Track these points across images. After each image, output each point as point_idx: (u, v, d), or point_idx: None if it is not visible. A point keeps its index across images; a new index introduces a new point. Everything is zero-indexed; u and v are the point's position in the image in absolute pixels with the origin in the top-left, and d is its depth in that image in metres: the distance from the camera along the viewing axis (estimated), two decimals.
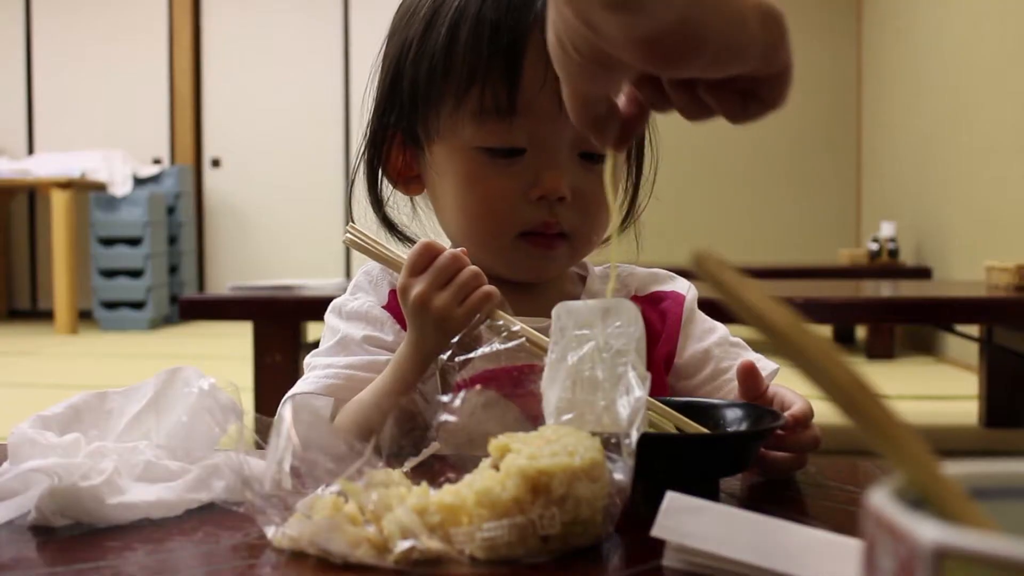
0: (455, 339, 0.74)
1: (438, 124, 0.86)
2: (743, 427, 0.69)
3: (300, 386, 0.86)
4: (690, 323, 0.93)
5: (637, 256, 0.95)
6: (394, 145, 0.91)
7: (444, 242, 0.91)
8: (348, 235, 0.82)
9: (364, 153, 0.93)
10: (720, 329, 0.94)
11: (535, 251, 0.85)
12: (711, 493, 0.64)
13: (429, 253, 0.77)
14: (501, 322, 0.75)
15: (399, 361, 0.79)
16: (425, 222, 0.96)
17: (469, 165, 0.85)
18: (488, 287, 0.76)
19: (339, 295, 0.93)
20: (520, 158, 0.84)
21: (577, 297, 0.89)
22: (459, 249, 0.78)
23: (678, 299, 0.94)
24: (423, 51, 0.86)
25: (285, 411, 0.56)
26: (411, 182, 0.92)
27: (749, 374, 0.75)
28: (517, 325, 0.74)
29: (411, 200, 0.96)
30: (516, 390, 0.64)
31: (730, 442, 0.66)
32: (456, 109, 0.84)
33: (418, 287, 0.76)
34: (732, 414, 0.70)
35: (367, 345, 0.86)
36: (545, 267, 0.88)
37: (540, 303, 0.72)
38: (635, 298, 0.93)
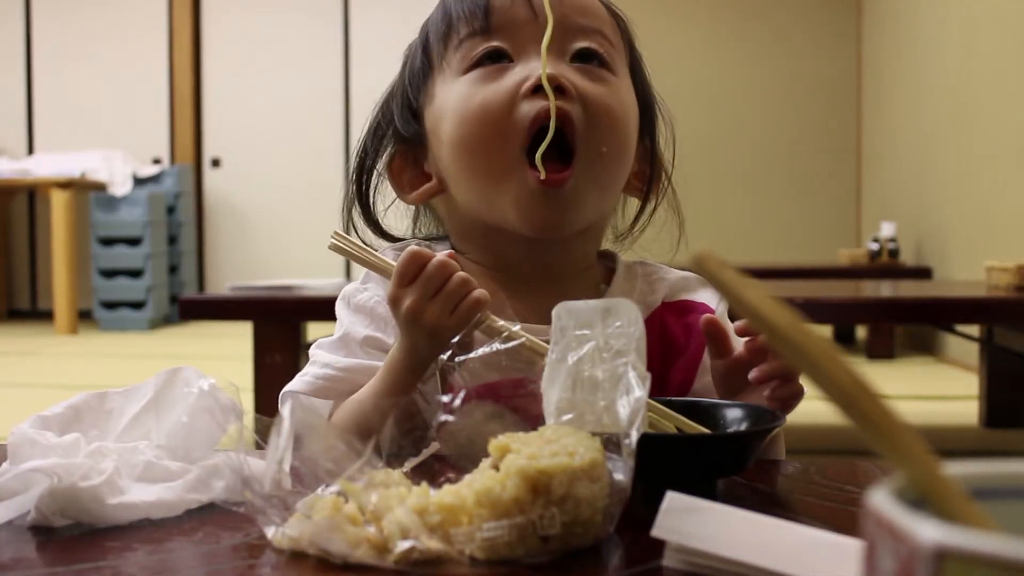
0: (454, 339, 0.74)
1: (432, 91, 0.89)
2: (743, 427, 0.69)
3: (297, 382, 0.86)
4: None
5: (675, 255, 0.92)
6: (395, 159, 0.93)
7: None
8: (333, 241, 0.82)
9: (356, 195, 0.95)
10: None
11: (543, 187, 0.81)
12: (710, 493, 0.64)
13: (417, 262, 0.76)
14: (499, 322, 0.75)
15: (394, 365, 0.79)
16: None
17: (461, 90, 0.85)
18: (478, 293, 0.76)
19: (338, 293, 0.93)
20: (508, 66, 0.85)
21: (602, 296, 0.88)
22: (446, 252, 0.77)
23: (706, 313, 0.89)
24: (418, 47, 0.92)
25: (285, 411, 0.56)
26: (420, 185, 0.91)
27: (714, 330, 0.77)
28: (510, 328, 0.74)
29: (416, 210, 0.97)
30: (516, 391, 0.64)
31: (730, 442, 0.66)
32: (442, 58, 0.88)
33: (409, 299, 0.75)
34: (732, 414, 0.70)
35: (367, 347, 0.86)
36: (558, 208, 0.83)
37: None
38: (664, 305, 0.91)
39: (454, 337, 0.74)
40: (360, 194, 0.95)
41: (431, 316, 0.75)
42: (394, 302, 0.77)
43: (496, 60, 0.85)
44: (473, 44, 0.85)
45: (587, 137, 0.82)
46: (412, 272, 0.76)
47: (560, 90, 0.81)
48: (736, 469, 0.65)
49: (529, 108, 0.81)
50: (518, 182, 0.82)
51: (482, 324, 0.76)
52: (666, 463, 0.62)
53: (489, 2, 0.85)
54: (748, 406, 0.70)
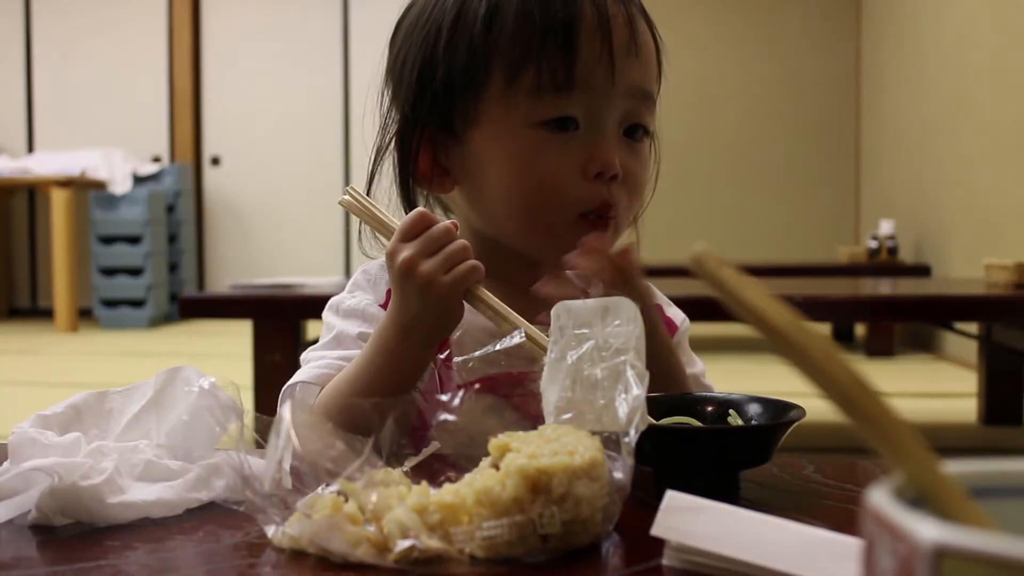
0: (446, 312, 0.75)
1: (482, 108, 0.84)
2: (762, 420, 0.68)
3: (295, 379, 0.86)
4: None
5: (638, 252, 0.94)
6: (421, 144, 0.88)
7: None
8: (346, 197, 0.81)
9: (395, 160, 0.90)
10: (698, 365, 0.94)
11: (585, 235, 0.83)
12: (733, 486, 0.64)
13: (423, 222, 0.76)
14: (491, 298, 0.75)
15: (381, 330, 0.79)
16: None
17: (523, 144, 0.83)
18: (475, 261, 0.76)
19: (339, 293, 0.93)
20: (574, 134, 0.83)
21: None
22: (450, 221, 0.77)
23: (671, 328, 0.93)
24: (457, 36, 0.84)
25: (284, 411, 0.56)
26: (441, 179, 0.89)
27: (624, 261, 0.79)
28: (502, 305, 0.75)
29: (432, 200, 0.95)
30: (515, 390, 0.64)
31: (754, 434, 0.65)
32: (507, 88, 0.83)
33: (406, 252, 0.75)
34: (751, 408, 0.70)
35: (361, 341, 0.86)
36: None
37: (547, 308, 0.71)
38: None
39: (443, 297, 0.74)
40: (403, 148, 0.90)
41: (425, 270, 0.75)
42: (391, 255, 0.77)
43: (564, 126, 0.83)
44: (553, 102, 0.82)
45: (626, 209, 0.86)
46: (416, 230, 0.76)
47: (613, 176, 0.84)
48: (760, 461, 0.65)
49: (588, 193, 0.84)
50: (566, 235, 0.84)
51: (473, 295, 0.76)
52: (691, 456, 0.62)
53: (576, 58, 0.81)
54: (765, 399, 0.70)
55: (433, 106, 0.86)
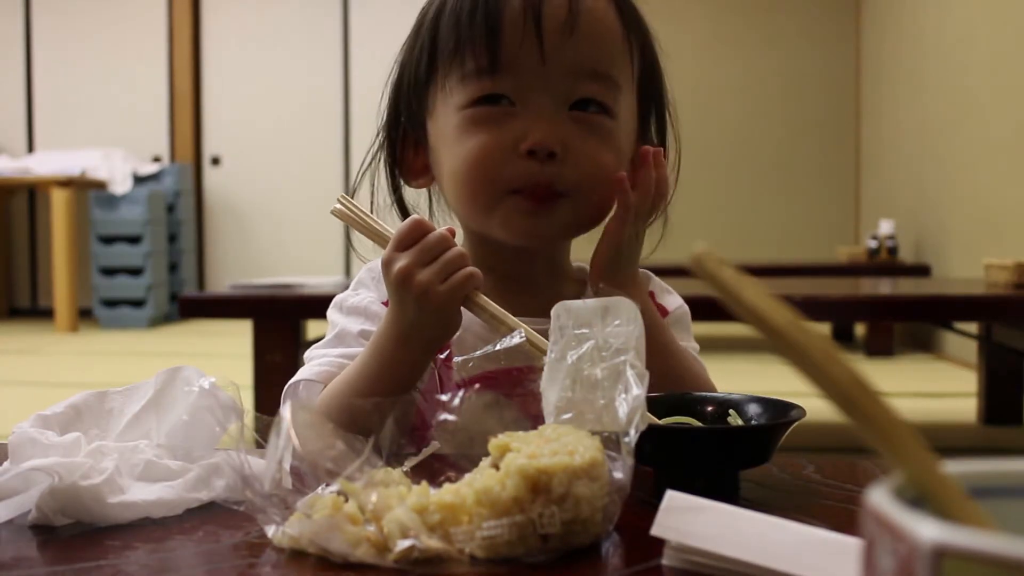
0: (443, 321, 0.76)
1: (429, 101, 0.89)
2: (762, 420, 0.68)
3: (297, 377, 0.86)
4: None
5: (655, 248, 0.94)
6: (406, 144, 0.93)
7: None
8: (338, 206, 0.82)
9: (386, 162, 0.94)
10: (691, 345, 0.94)
11: (526, 206, 0.84)
12: (733, 485, 0.64)
13: (418, 230, 0.76)
14: (490, 303, 0.75)
15: (379, 334, 0.79)
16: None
17: (456, 126, 0.86)
18: (472, 268, 0.76)
19: (339, 293, 0.93)
20: (509, 111, 0.84)
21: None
22: (446, 228, 0.78)
23: (662, 313, 0.94)
24: (417, 39, 0.91)
25: (284, 411, 0.56)
26: (421, 174, 0.93)
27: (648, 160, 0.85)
28: (501, 311, 0.75)
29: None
30: (515, 390, 0.64)
31: (754, 434, 0.65)
32: (445, 80, 0.87)
33: (402, 261, 0.75)
34: (751, 408, 0.70)
35: (363, 339, 0.87)
36: (539, 225, 0.86)
37: (541, 304, 0.71)
38: None
39: (440, 306, 0.74)
40: (392, 151, 0.94)
41: (422, 280, 0.75)
42: (386, 264, 0.77)
43: (497, 101, 0.84)
44: (477, 85, 0.84)
45: (575, 189, 0.85)
46: (411, 238, 0.76)
47: (551, 155, 0.83)
48: (760, 460, 0.65)
49: (521, 170, 0.83)
50: (501, 209, 0.85)
51: (472, 302, 0.76)
52: (691, 456, 0.62)
53: (499, 41, 0.83)
54: (765, 399, 0.70)
55: (408, 108, 0.91)
